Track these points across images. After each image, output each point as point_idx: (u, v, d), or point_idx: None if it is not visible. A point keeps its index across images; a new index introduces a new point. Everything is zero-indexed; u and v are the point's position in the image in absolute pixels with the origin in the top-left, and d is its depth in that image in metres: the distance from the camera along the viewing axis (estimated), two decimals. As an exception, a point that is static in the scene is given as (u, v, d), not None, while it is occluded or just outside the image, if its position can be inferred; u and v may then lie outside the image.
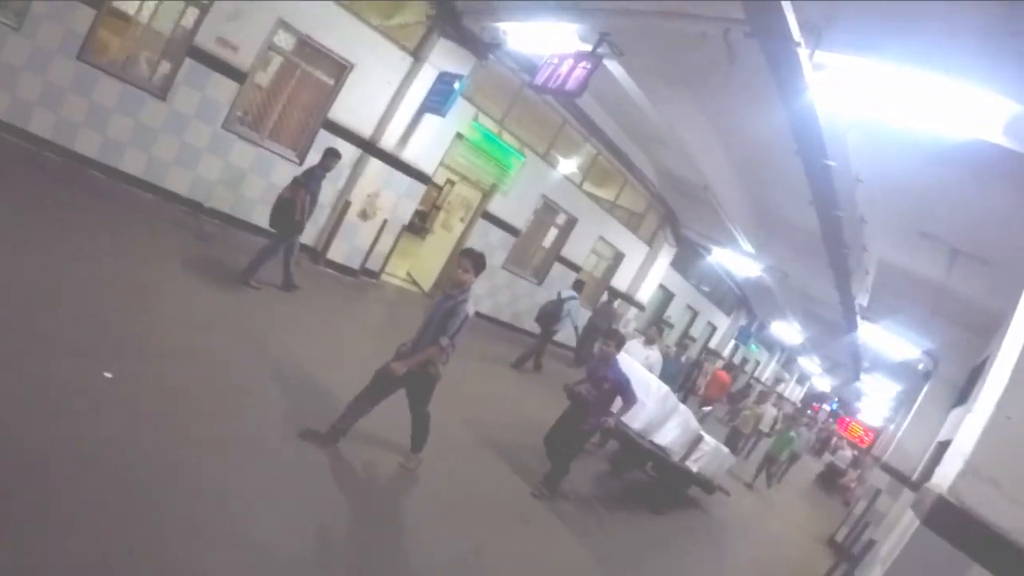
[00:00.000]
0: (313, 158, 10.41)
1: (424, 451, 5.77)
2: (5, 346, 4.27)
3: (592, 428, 6.93)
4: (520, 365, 12.15)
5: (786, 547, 11.89)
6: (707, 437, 9.27)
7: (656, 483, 9.28)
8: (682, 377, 19.41)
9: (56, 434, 3.74)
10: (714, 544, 9.57)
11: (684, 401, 18.86)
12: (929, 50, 4.96)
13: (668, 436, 8.57)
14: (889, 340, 14.64)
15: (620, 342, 6.91)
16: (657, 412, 8.41)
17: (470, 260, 5.28)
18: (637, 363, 8.86)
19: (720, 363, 25.63)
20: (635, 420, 8.05)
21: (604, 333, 7.17)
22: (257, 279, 8.38)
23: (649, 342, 10.14)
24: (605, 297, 17.07)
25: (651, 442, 8.39)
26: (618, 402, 6.84)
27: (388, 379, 5.26)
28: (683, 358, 18.14)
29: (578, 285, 13.72)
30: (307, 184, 8.59)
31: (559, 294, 12.94)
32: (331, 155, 8.93)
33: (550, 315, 12.48)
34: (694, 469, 8.99)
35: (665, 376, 11.41)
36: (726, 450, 10.01)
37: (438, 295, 5.52)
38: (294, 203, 8.46)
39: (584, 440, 7.20)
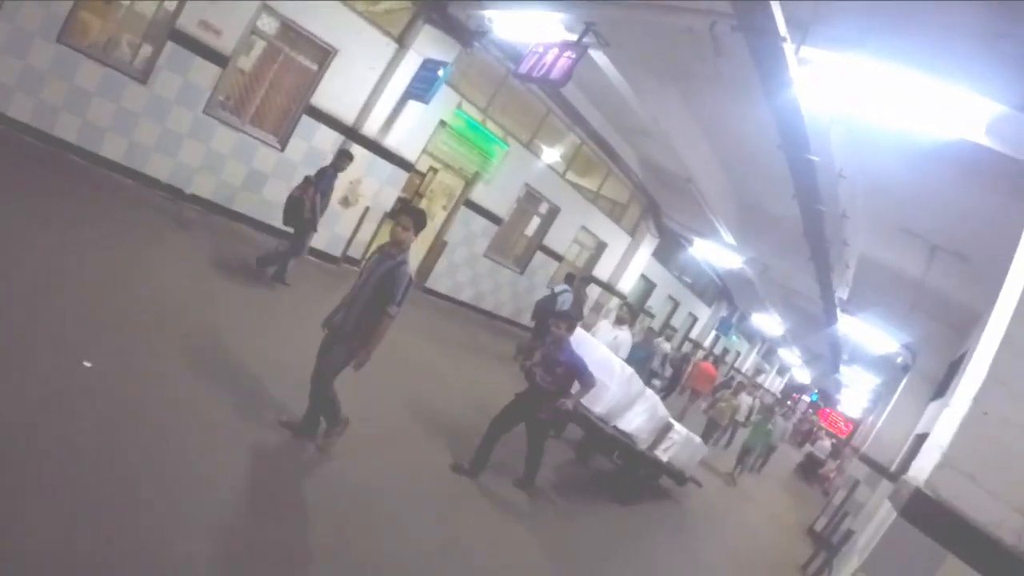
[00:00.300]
0: (295, 144, 10.40)
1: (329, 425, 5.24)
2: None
3: (550, 417, 6.40)
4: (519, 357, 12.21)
5: (765, 538, 11.90)
6: (677, 425, 8.93)
7: (623, 472, 8.76)
8: (671, 371, 19.52)
9: (33, 425, 3.69)
10: (687, 536, 9.26)
11: (667, 396, 18.95)
12: (915, 49, 4.99)
13: (634, 422, 8.09)
14: (868, 333, 14.81)
15: (571, 324, 6.47)
16: (621, 395, 7.87)
17: (410, 218, 4.97)
18: (599, 343, 8.50)
19: (701, 354, 25.85)
20: (597, 403, 7.57)
21: (554, 315, 6.64)
22: (280, 277, 8.78)
23: (619, 322, 9.71)
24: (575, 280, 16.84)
25: (615, 428, 7.91)
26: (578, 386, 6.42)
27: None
28: (665, 345, 18.18)
29: (569, 278, 13.73)
30: (318, 183, 8.74)
31: (552, 289, 12.92)
32: (344, 156, 9.24)
33: (546, 310, 12.42)
34: (664, 459, 8.64)
35: (633, 360, 11.38)
36: (698, 440, 9.66)
37: (373, 256, 5.11)
38: (303, 201, 8.58)
39: (546, 430, 6.74)
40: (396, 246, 4.95)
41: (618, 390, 7.79)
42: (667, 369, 18.96)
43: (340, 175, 9.20)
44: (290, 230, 8.87)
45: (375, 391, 6.94)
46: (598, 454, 9.06)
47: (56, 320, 4.88)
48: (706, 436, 13.85)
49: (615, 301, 19.01)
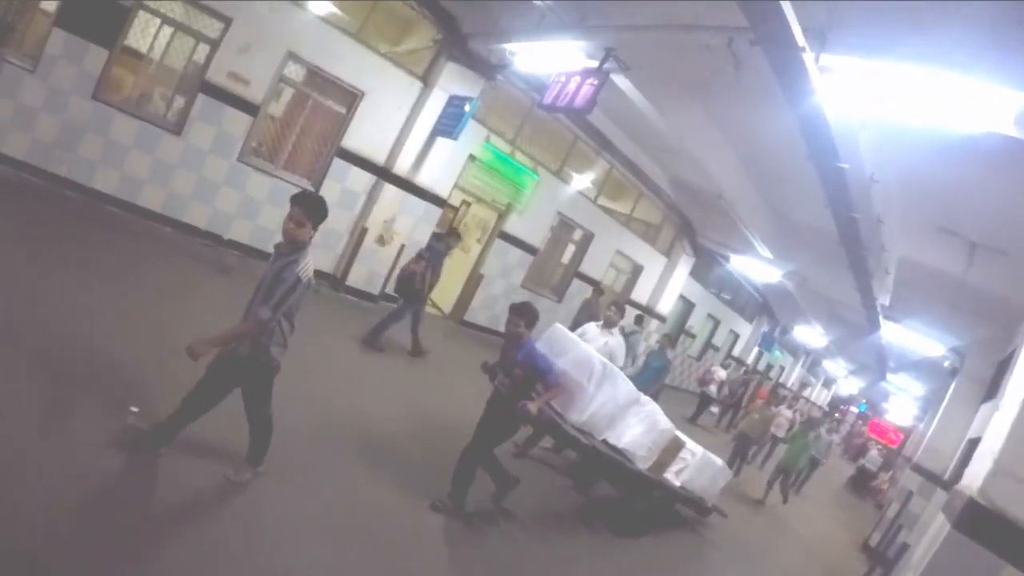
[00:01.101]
0: (328, 186, 10.64)
1: (264, 464, 4.60)
2: (32, 384, 4.34)
3: (512, 420, 5.54)
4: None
5: (814, 559, 11.15)
6: (690, 443, 7.77)
7: (622, 499, 7.39)
8: (729, 395, 19.44)
9: (82, 471, 3.81)
10: (715, 571, 8.16)
11: (729, 422, 18.69)
12: (936, 47, 4.94)
13: (626, 435, 6.83)
14: (913, 339, 14.53)
15: (530, 320, 5.51)
16: (605, 399, 6.62)
17: (302, 208, 4.10)
18: (578, 340, 7.10)
19: (767, 383, 25.71)
20: (572, 408, 6.41)
21: (513, 309, 5.59)
22: (381, 343, 9.22)
23: (608, 325, 8.33)
24: (589, 294, 15.50)
25: (605, 443, 6.66)
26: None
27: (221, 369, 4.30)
28: (721, 372, 18.02)
29: (640, 320, 13.86)
30: (429, 258, 9.32)
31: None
32: (452, 235, 10.02)
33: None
34: (676, 483, 7.50)
35: (649, 372, 11.09)
36: (719, 461, 8.46)
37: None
38: (415, 274, 9.15)
39: (502, 434, 5.69)
40: (288, 244, 4.24)
41: (598, 392, 6.57)
42: (723, 392, 18.90)
43: (375, 213, 9.38)
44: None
45: (402, 419, 7.01)
46: (604, 480, 7.75)
47: (101, 368, 5.03)
48: (739, 452, 13.20)
49: (655, 323, 18.84)
